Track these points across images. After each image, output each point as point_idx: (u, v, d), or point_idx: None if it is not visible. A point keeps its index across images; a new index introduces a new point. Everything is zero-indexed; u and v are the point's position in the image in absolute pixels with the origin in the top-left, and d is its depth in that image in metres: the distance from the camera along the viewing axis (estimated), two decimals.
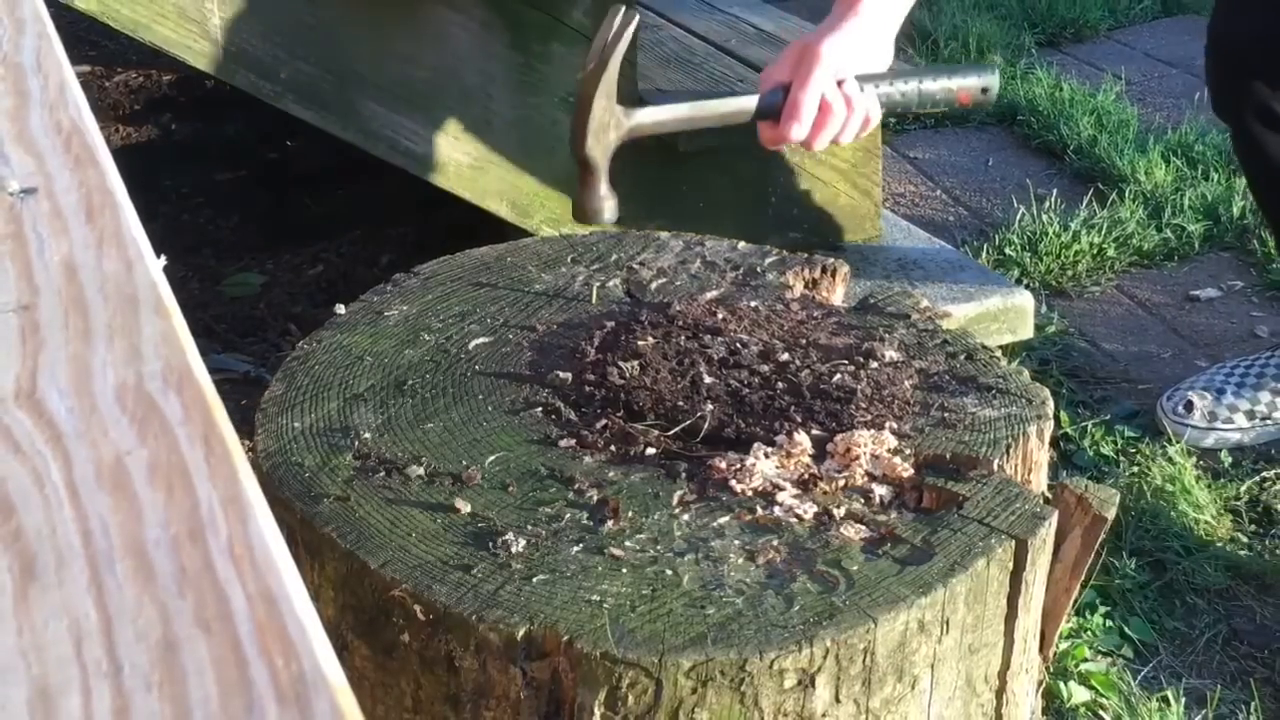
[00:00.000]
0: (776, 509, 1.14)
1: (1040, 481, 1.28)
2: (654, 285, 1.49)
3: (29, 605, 0.55)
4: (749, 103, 1.66)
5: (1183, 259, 3.09)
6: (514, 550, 1.09)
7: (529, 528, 1.12)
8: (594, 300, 1.45)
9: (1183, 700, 1.91)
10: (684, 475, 1.19)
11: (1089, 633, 2.05)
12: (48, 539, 0.59)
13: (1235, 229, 3.18)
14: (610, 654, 1.01)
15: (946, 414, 1.27)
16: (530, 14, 2.37)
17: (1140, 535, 2.23)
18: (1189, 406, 2.45)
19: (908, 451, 1.21)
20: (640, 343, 1.34)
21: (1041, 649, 1.28)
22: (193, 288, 2.94)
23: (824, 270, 1.52)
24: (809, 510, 1.14)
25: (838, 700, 1.06)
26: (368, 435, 1.24)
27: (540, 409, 1.28)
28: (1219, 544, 2.22)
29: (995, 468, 1.20)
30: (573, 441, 1.23)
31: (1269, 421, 2.45)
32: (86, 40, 4.08)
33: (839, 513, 1.14)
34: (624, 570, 1.08)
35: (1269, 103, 2.30)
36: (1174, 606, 2.11)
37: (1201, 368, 2.63)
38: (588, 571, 1.08)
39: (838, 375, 1.30)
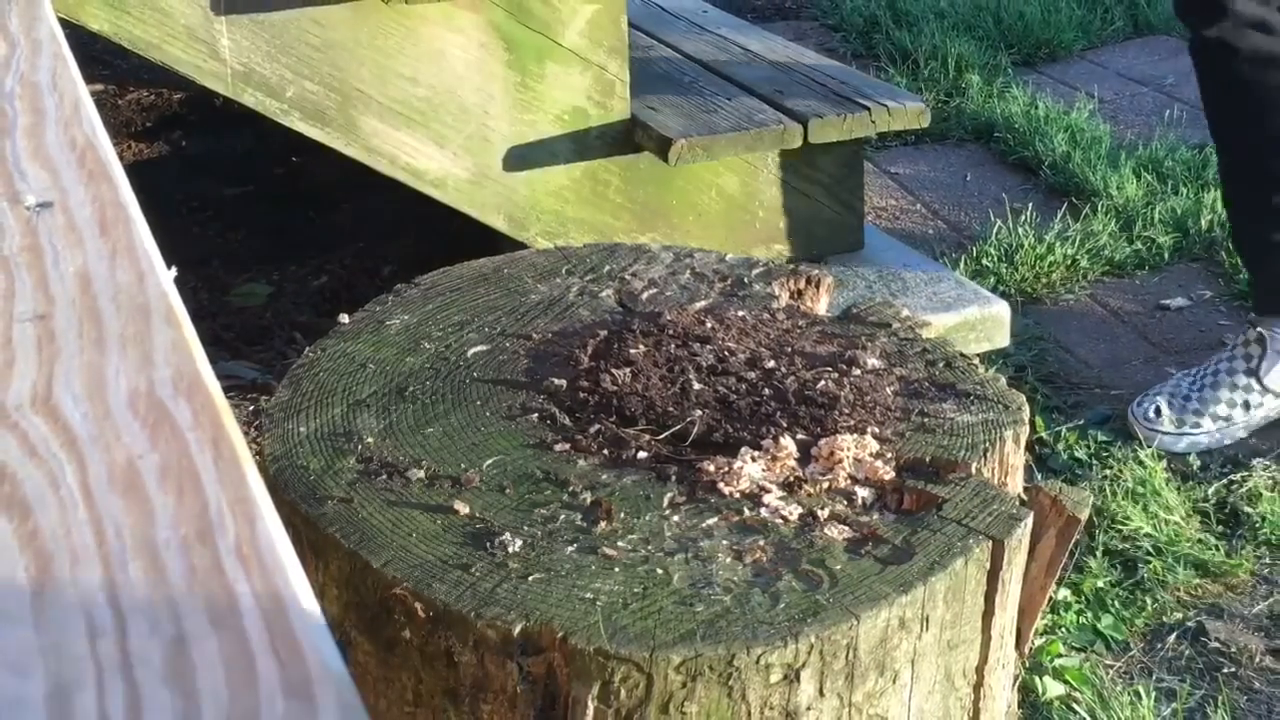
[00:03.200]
0: (763, 510, 1.15)
1: (1016, 484, 1.28)
2: (645, 295, 1.49)
3: (45, 603, 0.55)
4: None
5: (1153, 269, 3.10)
6: (511, 550, 1.09)
7: (525, 528, 1.12)
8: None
9: (1153, 694, 1.91)
10: (674, 478, 1.19)
11: (1063, 629, 2.05)
12: (63, 539, 0.59)
13: (1204, 241, 3.19)
14: (603, 650, 1.01)
15: (926, 419, 1.27)
16: (526, 35, 2.37)
17: (1112, 536, 2.23)
18: (1158, 412, 2.46)
19: (889, 455, 1.21)
20: (632, 351, 1.35)
21: (1018, 645, 1.28)
22: (202, 298, 2.94)
23: (808, 281, 1.52)
24: (794, 511, 1.14)
25: (821, 694, 1.06)
26: (370, 440, 1.24)
27: (536, 414, 1.28)
28: (1188, 544, 2.22)
29: (973, 471, 1.20)
30: (567, 446, 1.23)
31: (1231, 422, 2.46)
32: (100, 60, 4.08)
33: (823, 514, 1.14)
34: (616, 569, 1.08)
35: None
36: (1145, 604, 2.12)
37: (1171, 374, 2.64)
38: (581, 570, 1.08)
39: (822, 382, 1.30)
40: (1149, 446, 2.42)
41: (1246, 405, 2.46)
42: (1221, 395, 2.46)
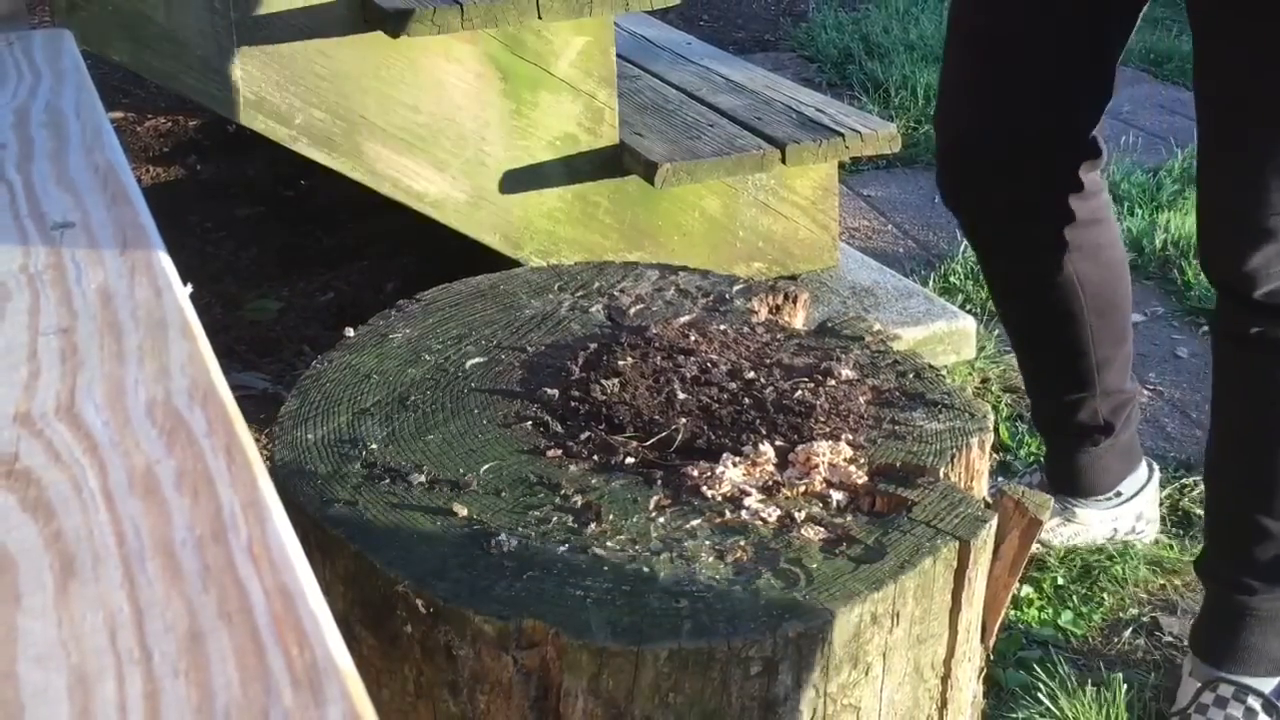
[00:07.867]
0: (743, 512, 1.15)
1: (982, 488, 1.29)
2: (633, 310, 1.49)
3: (68, 599, 0.55)
4: None
5: None
6: (506, 550, 1.09)
7: (520, 529, 1.12)
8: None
9: (1110, 685, 1.91)
10: (660, 482, 1.19)
11: (1026, 624, 2.06)
12: (85, 540, 0.59)
13: (1158, 260, 3.20)
14: (593, 644, 1.01)
15: (897, 427, 1.27)
16: (521, 66, 2.38)
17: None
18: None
19: (862, 461, 1.22)
20: (620, 362, 1.35)
21: (983, 639, 1.28)
22: (216, 313, 2.94)
23: (786, 297, 1.52)
24: (773, 513, 1.14)
25: (798, 686, 1.06)
26: (374, 446, 1.24)
27: (530, 422, 1.28)
28: (1143, 544, 2.22)
29: (941, 475, 1.21)
30: (559, 452, 1.23)
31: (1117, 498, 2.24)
32: (121, 89, 4.08)
33: (800, 516, 1.14)
34: (605, 568, 1.08)
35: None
36: (1102, 601, 2.12)
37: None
38: (573, 569, 1.08)
39: (799, 392, 1.30)
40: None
41: None
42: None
